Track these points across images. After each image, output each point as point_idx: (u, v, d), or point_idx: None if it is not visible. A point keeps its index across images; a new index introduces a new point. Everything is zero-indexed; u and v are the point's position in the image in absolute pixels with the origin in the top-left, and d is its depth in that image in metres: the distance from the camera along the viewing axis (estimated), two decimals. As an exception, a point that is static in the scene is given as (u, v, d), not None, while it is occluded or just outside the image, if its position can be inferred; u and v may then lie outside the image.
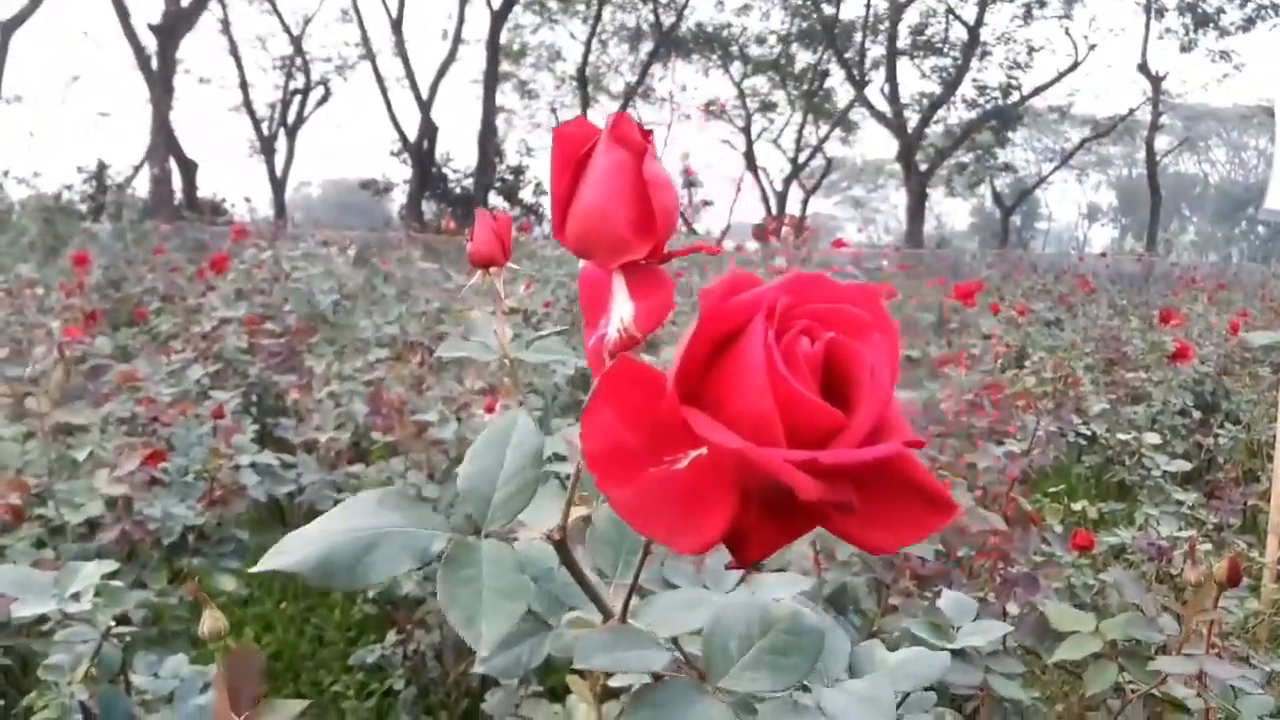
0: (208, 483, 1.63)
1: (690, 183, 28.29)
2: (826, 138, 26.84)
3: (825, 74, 25.82)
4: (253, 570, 0.41)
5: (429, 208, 22.37)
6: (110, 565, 0.98)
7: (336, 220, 29.78)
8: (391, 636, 1.89)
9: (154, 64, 17.98)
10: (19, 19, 19.86)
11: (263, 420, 2.98)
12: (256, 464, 1.73)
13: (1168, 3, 23.03)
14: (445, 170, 23.35)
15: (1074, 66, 23.95)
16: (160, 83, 17.30)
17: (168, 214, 10.90)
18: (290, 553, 0.40)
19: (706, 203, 28.17)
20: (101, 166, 17.13)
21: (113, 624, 0.96)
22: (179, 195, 17.48)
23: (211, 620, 0.85)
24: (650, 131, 0.38)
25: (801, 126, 26.43)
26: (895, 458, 0.32)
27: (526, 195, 24.38)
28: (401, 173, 24.15)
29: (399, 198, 24.88)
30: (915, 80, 25.92)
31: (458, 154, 30.70)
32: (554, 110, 27.01)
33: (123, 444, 1.84)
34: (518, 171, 24.57)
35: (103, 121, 23.58)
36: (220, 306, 3.57)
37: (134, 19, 19.08)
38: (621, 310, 0.38)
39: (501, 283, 0.87)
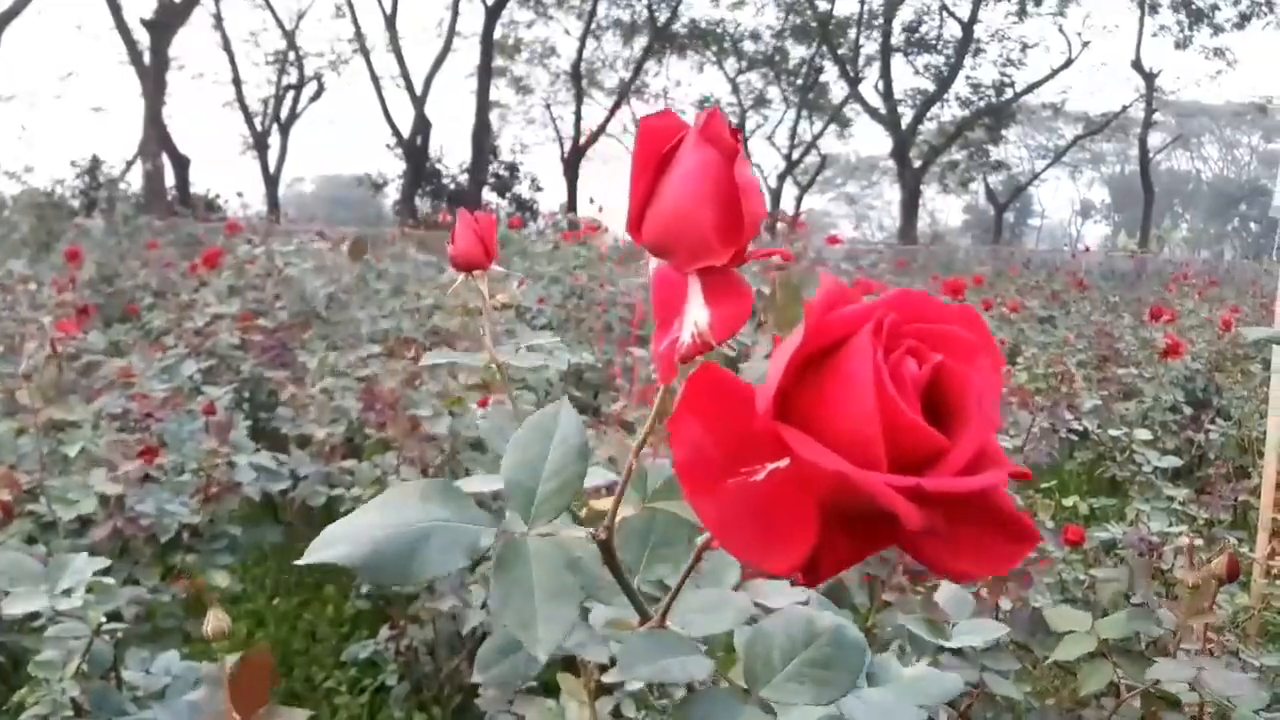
0: (202, 479, 1.63)
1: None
2: (820, 134, 26.85)
3: (819, 70, 25.82)
4: (300, 562, 0.40)
5: (423, 204, 22.31)
6: (102, 561, 0.98)
7: (330, 215, 29.71)
8: (384, 632, 1.89)
9: (146, 59, 17.89)
10: (10, 14, 19.75)
11: (255, 415, 2.97)
12: (253, 462, 1.72)
13: (1162, 0, 23.09)
14: (439, 166, 23.30)
15: (1067, 64, 24.00)
16: (153, 78, 17.22)
17: (161, 209, 10.86)
18: (338, 545, 0.39)
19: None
20: (95, 161, 17.04)
21: (104, 620, 0.96)
22: (172, 191, 17.43)
23: (215, 620, 0.85)
24: (740, 130, 0.36)
25: (796, 123, 26.44)
26: (994, 487, 0.31)
27: (521, 191, 24.34)
28: (396, 168, 24.11)
29: (393, 194, 24.81)
30: (909, 77, 25.94)
31: (452, 149, 30.60)
32: (548, 106, 26.96)
33: (115, 440, 1.84)
34: (512, 167, 24.53)
35: (96, 117, 23.45)
36: (213, 302, 3.56)
37: (126, 14, 19.05)
38: (697, 315, 0.36)
39: (486, 285, 0.86)
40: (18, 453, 1.56)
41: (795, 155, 26.78)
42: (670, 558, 0.51)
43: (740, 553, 0.33)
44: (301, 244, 3.19)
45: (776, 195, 26.27)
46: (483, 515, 0.43)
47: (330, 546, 0.40)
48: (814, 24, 24.11)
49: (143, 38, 18.28)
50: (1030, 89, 24.83)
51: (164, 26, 17.22)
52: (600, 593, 0.51)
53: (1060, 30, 24.13)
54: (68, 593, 0.92)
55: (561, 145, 26.02)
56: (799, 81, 26.13)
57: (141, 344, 2.94)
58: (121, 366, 2.20)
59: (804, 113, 26.29)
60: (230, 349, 3.11)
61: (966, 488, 0.30)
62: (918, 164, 23.93)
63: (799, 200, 27.21)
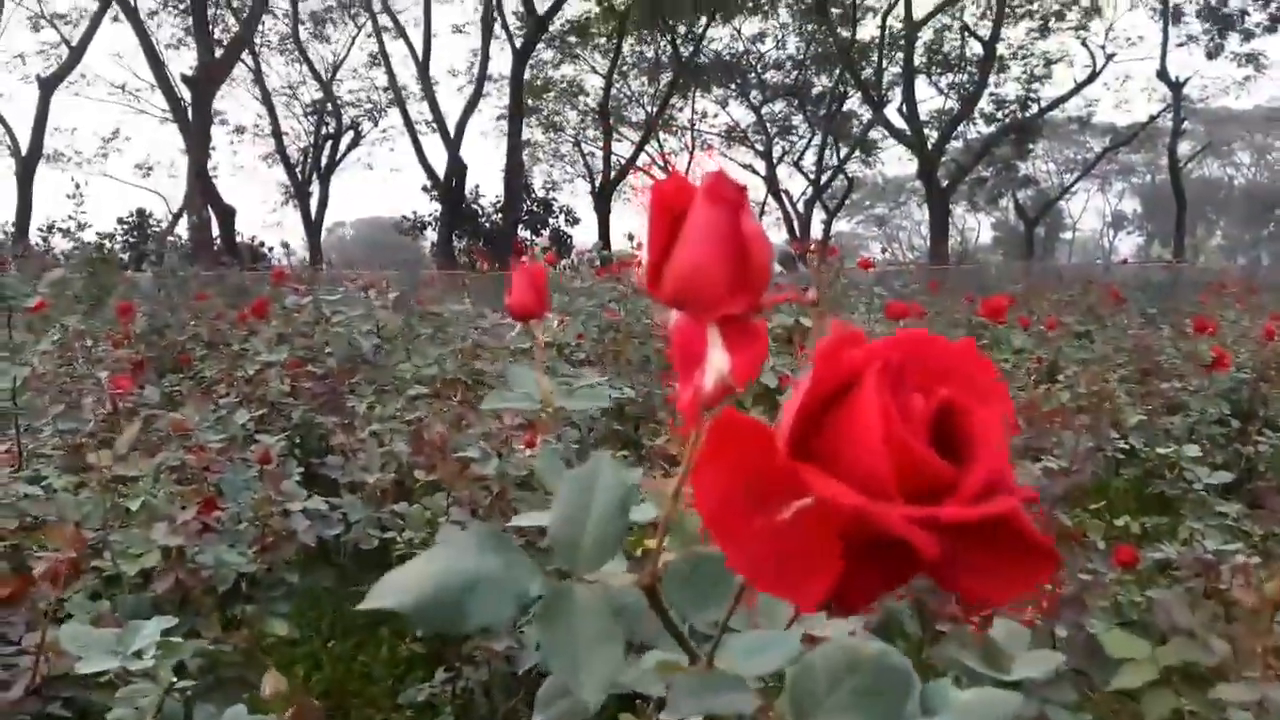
0: (259, 529, 1.68)
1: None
2: (847, 159, 26.89)
3: (844, 96, 25.91)
4: (358, 608, 0.43)
5: (459, 244, 22.61)
6: (170, 621, 1.02)
7: (370, 259, 30.17)
8: (440, 674, 1.92)
9: (189, 115, 18.41)
10: (58, 77, 20.44)
11: (306, 461, 3.03)
12: (307, 509, 1.77)
13: (1186, 9, 22.93)
14: (474, 206, 23.63)
15: (1092, 77, 23.86)
16: (197, 133, 17.69)
17: (208, 260, 11.12)
18: (392, 593, 0.42)
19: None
20: (141, 216, 17.51)
21: (174, 680, 0.99)
22: (218, 241, 17.82)
23: (273, 682, 0.88)
24: (745, 188, 0.39)
25: (822, 149, 26.51)
26: (1008, 512, 0.33)
27: (557, 224, 24.60)
28: (432, 209, 24.51)
29: (431, 235, 25.20)
30: (933, 98, 25.93)
31: (486, 189, 31.02)
32: (578, 143, 27.28)
33: (175, 492, 1.90)
34: (545, 204, 24.80)
35: (141, 172, 24.11)
36: (263, 350, 3.65)
37: (169, 72, 19.63)
38: (718, 362, 0.38)
39: (541, 332, 0.90)
40: (80, 509, 1.61)
41: (823, 180, 26.82)
42: (718, 598, 0.52)
43: (771, 589, 0.35)
44: (347, 293, 3.27)
45: (806, 221, 26.29)
46: (531, 563, 0.44)
47: (386, 594, 0.42)
48: (835, 51, 24.23)
49: (185, 94, 18.84)
50: (1056, 104, 24.71)
51: (205, 83, 17.71)
52: (649, 636, 0.52)
53: (1084, 44, 24.03)
54: (139, 654, 0.95)
55: (592, 180, 26.29)
56: (823, 109, 26.25)
57: (194, 395, 3.02)
58: (177, 419, 2.27)
59: (830, 139, 26.37)
60: (281, 396, 3.18)
61: (978, 514, 0.32)
62: (945, 183, 23.85)
63: (828, 224, 27.19)
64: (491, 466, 1.83)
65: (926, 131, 23.78)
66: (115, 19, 20.47)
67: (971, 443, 0.35)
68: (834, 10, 23.71)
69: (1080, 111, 25.95)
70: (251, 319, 4.14)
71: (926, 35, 24.48)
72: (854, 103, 26.36)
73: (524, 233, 23.82)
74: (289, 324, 3.97)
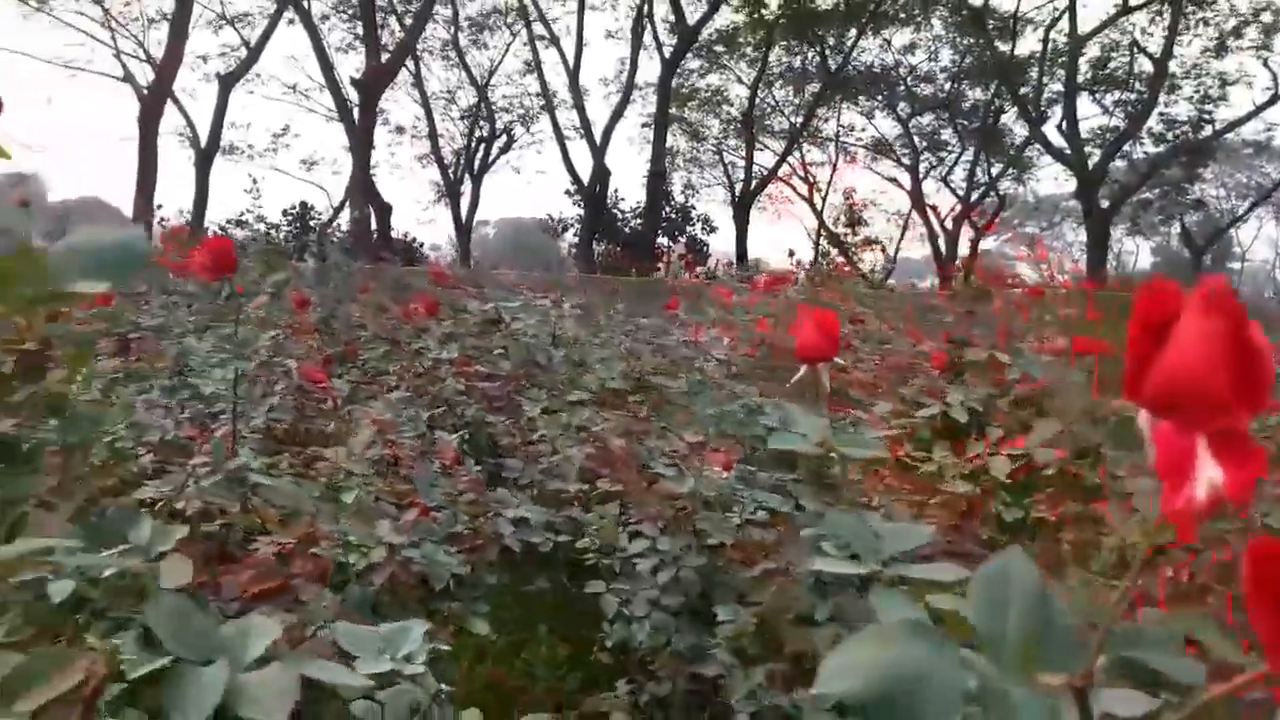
0: (469, 530, 1.73)
1: (854, 221, 27.95)
2: (1000, 176, 25.96)
3: (999, 111, 25.05)
4: (814, 691, 0.44)
5: (598, 248, 22.99)
6: (423, 624, 1.05)
7: (512, 258, 31.02)
8: (623, 685, 1.93)
9: (355, 115, 19.38)
10: (235, 76, 21.84)
11: (476, 460, 3.12)
12: (517, 515, 1.82)
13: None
14: (615, 211, 23.98)
15: (1274, 100, 22.28)
16: (361, 132, 18.60)
17: (367, 255, 11.65)
18: (846, 679, 0.43)
19: (872, 241, 27.72)
20: (305, 208, 18.52)
21: (442, 686, 1.02)
22: (373, 236, 18.70)
23: None
24: (1244, 304, 0.38)
25: (973, 165, 25.68)
26: None
27: (694, 232, 24.72)
28: (572, 212, 25.02)
29: (569, 236, 25.72)
30: (1095, 115, 24.76)
31: (626, 194, 31.50)
32: (719, 151, 27.32)
33: (377, 488, 1.99)
34: (684, 211, 24.93)
35: (307, 167, 25.55)
36: (434, 347, 3.79)
37: (339, 73, 20.75)
38: (1210, 475, 0.38)
39: (827, 375, 0.90)
40: (310, 501, 1.70)
41: (973, 197, 25.98)
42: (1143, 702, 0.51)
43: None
44: (526, 301, 3.37)
45: (954, 239, 25.52)
46: (958, 656, 0.45)
47: (840, 678, 0.44)
48: (991, 65, 23.45)
49: (352, 96, 19.84)
50: (1233, 126, 23.20)
51: (372, 85, 18.60)
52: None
53: (1265, 64, 22.47)
54: (408, 658, 0.98)
55: (732, 189, 26.28)
56: (975, 123, 25.45)
57: (380, 392, 3.16)
58: (378, 416, 2.36)
59: (981, 154, 25.53)
60: (455, 394, 3.28)
61: None
62: (1106, 204, 22.73)
63: (976, 242, 26.29)
64: (686, 486, 1.83)
65: (1088, 150, 22.73)
66: (290, 22, 21.73)
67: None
68: (990, 22, 22.97)
69: (1258, 135, 24.31)
70: (421, 316, 4.31)
71: (1091, 51, 23.41)
72: (1009, 117, 25.46)
73: (661, 239, 24.02)
74: (460, 324, 4.10)
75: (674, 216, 24.84)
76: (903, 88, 25.81)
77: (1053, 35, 23.08)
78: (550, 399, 3.04)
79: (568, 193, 24.44)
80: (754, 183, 25.22)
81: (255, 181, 8.58)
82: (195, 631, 0.55)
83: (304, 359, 3.72)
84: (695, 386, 2.43)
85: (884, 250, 26.55)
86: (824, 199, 27.08)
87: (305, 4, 20.89)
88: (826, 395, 0.85)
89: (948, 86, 25.57)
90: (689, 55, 24.22)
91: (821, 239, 26.16)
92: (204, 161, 21.15)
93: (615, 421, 2.86)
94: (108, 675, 0.47)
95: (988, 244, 28.85)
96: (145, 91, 19.21)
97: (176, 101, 21.73)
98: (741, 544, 1.98)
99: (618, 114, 23.42)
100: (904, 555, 0.81)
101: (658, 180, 22.72)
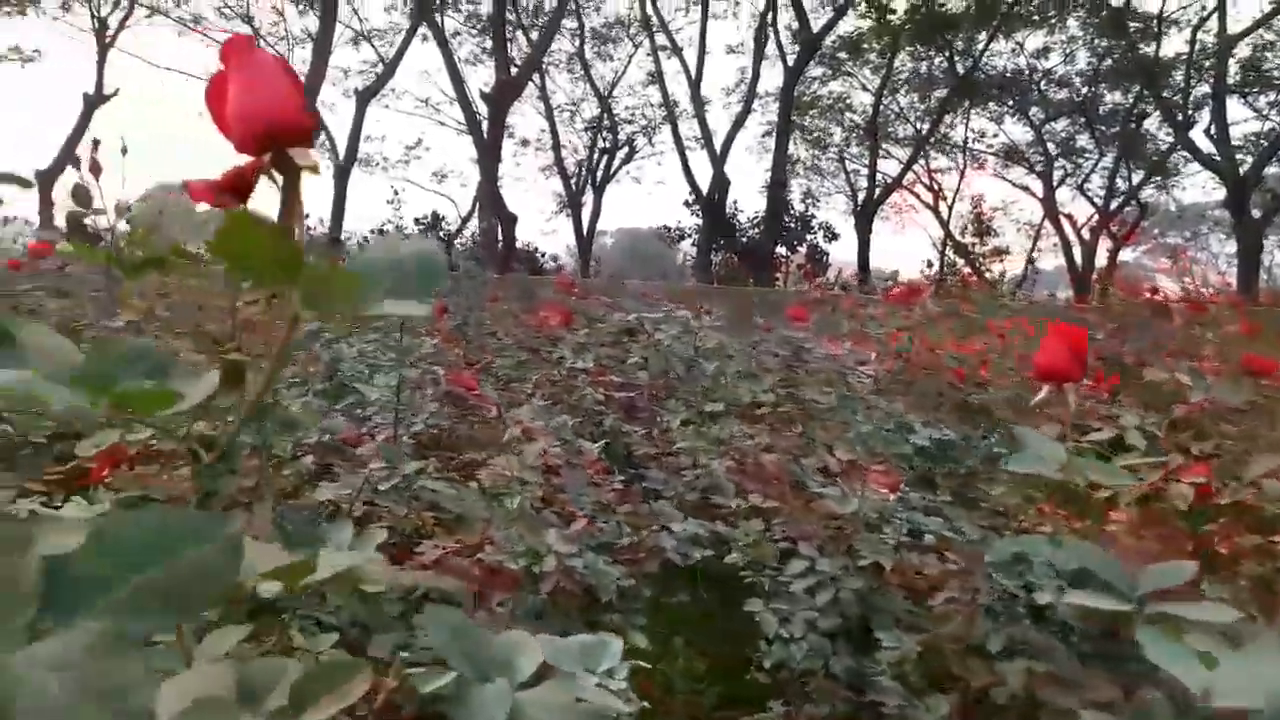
0: (632, 544, 1.74)
1: (983, 230, 27.07)
2: (1142, 184, 24.69)
3: (1142, 116, 23.86)
4: (1216, 704, 0.44)
5: (716, 257, 22.96)
6: (617, 640, 1.04)
7: (628, 267, 31.33)
8: (778, 707, 1.90)
9: (484, 128, 19.95)
10: (372, 90, 22.78)
11: (612, 469, 3.14)
12: (683, 530, 1.82)
13: None
14: (733, 220, 23.91)
15: None
16: (490, 144, 19.12)
17: (495, 264, 11.95)
18: (1242, 695, 0.42)
19: (1002, 251, 26.75)
20: (436, 218, 19.15)
21: (644, 704, 1.00)
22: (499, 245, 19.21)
23: None
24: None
25: (1113, 172, 24.52)
26: None
27: (815, 240, 24.43)
28: (690, 221, 25.06)
29: (686, 245, 25.78)
30: (1247, 120, 23.30)
31: (744, 203, 31.42)
32: (842, 159, 26.92)
33: (533, 497, 2.01)
34: (804, 219, 24.65)
35: (437, 179, 26.45)
36: (569, 356, 3.84)
37: (468, 86, 21.38)
38: None
39: (1072, 397, 0.86)
40: (485, 508, 1.74)
41: (1112, 205, 24.80)
42: None
43: None
44: (669, 313, 3.39)
45: (1091, 250, 24.41)
46: None
47: (1237, 694, 0.45)
48: (1133, 67, 22.37)
49: (481, 109, 20.44)
50: None
51: (501, 99, 19.11)
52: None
53: None
54: (610, 673, 0.96)
55: (854, 196, 25.85)
56: (1115, 128, 24.31)
57: (515, 399, 3.21)
58: (529, 424, 2.41)
59: (1121, 161, 24.36)
60: (594, 404, 3.32)
61: None
62: (1258, 213, 21.34)
63: (1114, 253, 25.08)
64: (850, 507, 1.79)
65: (1238, 156, 21.41)
66: (424, 39, 22.53)
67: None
68: (1132, 23, 21.93)
69: None
70: (556, 324, 4.38)
71: (1242, 51, 22.06)
72: (1151, 122, 24.23)
73: (780, 248, 23.81)
74: (595, 333, 4.15)
75: (794, 225, 24.59)
76: (1035, 92, 24.88)
77: (1200, 35, 21.87)
78: (687, 410, 3.05)
79: (686, 203, 24.51)
80: (877, 191, 24.73)
81: (397, 193, 8.94)
82: (473, 647, 0.56)
83: (451, 366, 3.84)
84: (844, 402, 2.39)
85: (1004, 258, 25.66)
86: (950, 207, 26.35)
87: (439, 21, 21.63)
88: (1069, 419, 0.81)
89: (1084, 90, 24.51)
90: (811, 62, 23.97)
91: (947, 249, 25.44)
92: (342, 173, 22.11)
93: (761, 436, 2.84)
94: (396, 688, 0.49)
95: (1126, 254, 27.50)
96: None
97: (318, 116, 22.80)
98: (900, 567, 1.93)
99: (739, 123, 23.36)
100: (1157, 593, 0.76)
101: (778, 189, 22.53)
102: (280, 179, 0.53)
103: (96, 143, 2.58)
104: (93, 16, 22.55)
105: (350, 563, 0.52)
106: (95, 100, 21.64)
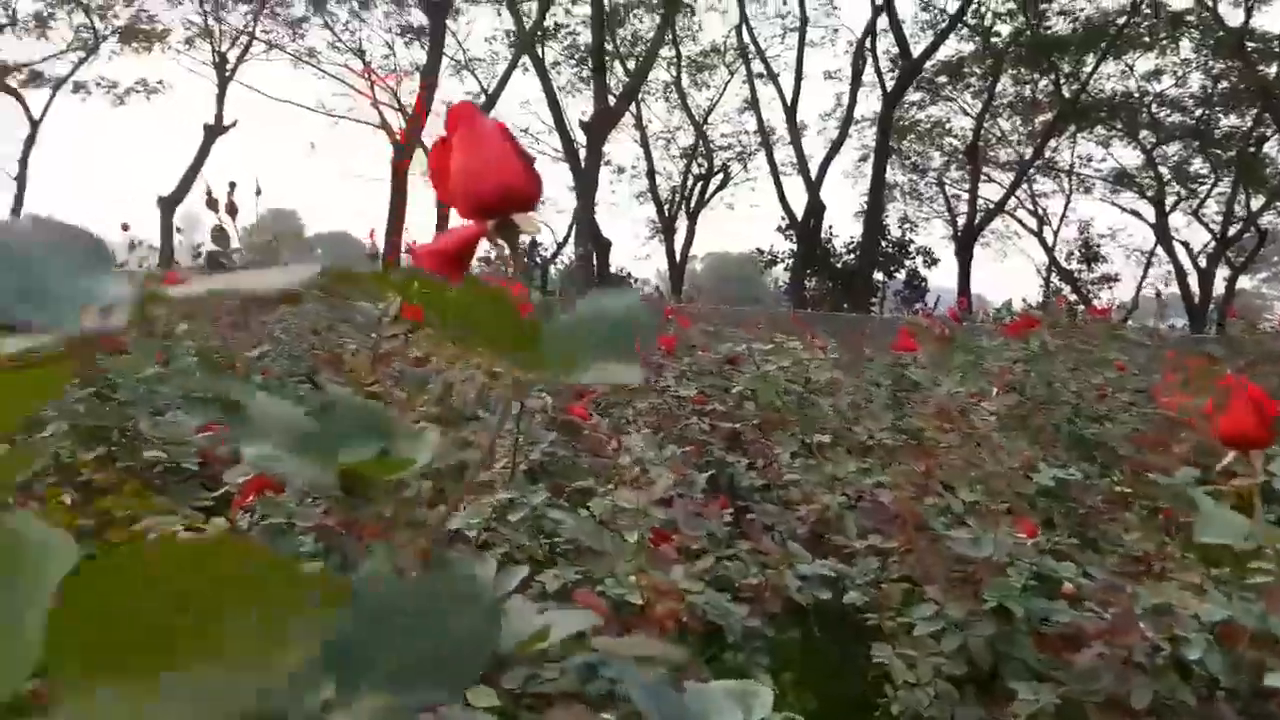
0: (760, 582, 1.73)
1: (1091, 256, 26.16)
2: (1262, 210, 23.52)
3: (1261, 139, 22.78)
4: None
5: (809, 284, 22.75)
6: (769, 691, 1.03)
7: (717, 291, 31.31)
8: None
9: (580, 156, 20.27)
10: (471, 121, 23.32)
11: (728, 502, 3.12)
12: (808, 572, 1.80)
13: None
14: (828, 246, 23.68)
15: None
16: (588, 172, 19.42)
17: (590, 289, 12.07)
18: None
19: (1111, 278, 25.82)
20: (533, 244, 19.49)
21: None
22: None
23: None
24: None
25: (1231, 197, 23.42)
26: None
27: (914, 266, 24.02)
28: (783, 246, 24.90)
29: (778, 270, 25.62)
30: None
31: (839, 229, 31.11)
32: (941, 184, 26.42)
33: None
34: (901, 245, 24.25)
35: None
36: (673, 384, 3.84)
37: (566, 115, 21.77)
38: None
39: (1258, 464, 0.81)
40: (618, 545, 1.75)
41: (1230, 231, 23.67)
42: None
43: None
44: (779, 344, 3.36)
45: (1209, 276, 23.33)
46: None
47: None
48: (1250, 89, 21.41)
49: (579, 137, 20.80)
50: None
51: (599, 128, 19.40)
52: None
53: None
54: None
55: (953, 222, 25.32)
56: (1232, 152, 23.26)
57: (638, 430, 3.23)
58: (631, 451, 2.41)
59: (1240, 186, 23.27)
60: (700, 434, 3.31)
61: None
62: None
63: (1232, 281, 23.89)
64: (985, 551, 1.74)
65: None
66: (524, 69, 23.05)
67: None
68: (1249, 45, 21.04)
69: None
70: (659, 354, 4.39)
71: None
72: (1271, 146, 23.11)
73: (877, 274, 23.45)
74: (697, 361, 4.14)
75: (891, 250, 24.21)
76: (1146, 115, 24.00)
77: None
78: (797, 443, 3.01)
79: (779, 229, 24.36)
80: (978, 216, 24.17)
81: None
82: (672, 703, 0.56)
83: (559, 393, 3.88)
84: (966, 440, 2.33)
85: (1112, 285, 24.74)
86: (1055, 234, 25.57)
87: (539, 52, 22.10)
88: (1255, 488, 0.76)
89: (1198, 113, 23.55)
90: (909, 87, 23.66)
91: (1053, 276, 24.68)
92: (442, 205, 22.65)
93: (879, 474, 2.78)
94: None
95: (1244, 282, 26.23)
96: (398, 137, 20.93)
97: (424, 147, 23.48)
98: (1030, 613, 1.86)
99: (835, 148, 23.16)
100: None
101: (875, 215, 22.23)
102: (504, 243, 0.54)
103: (233, 185, 2.69)
104: (214, 51, 23.79)
105: (579, 627, 0.53)
106: (215, 130, 22.77)
